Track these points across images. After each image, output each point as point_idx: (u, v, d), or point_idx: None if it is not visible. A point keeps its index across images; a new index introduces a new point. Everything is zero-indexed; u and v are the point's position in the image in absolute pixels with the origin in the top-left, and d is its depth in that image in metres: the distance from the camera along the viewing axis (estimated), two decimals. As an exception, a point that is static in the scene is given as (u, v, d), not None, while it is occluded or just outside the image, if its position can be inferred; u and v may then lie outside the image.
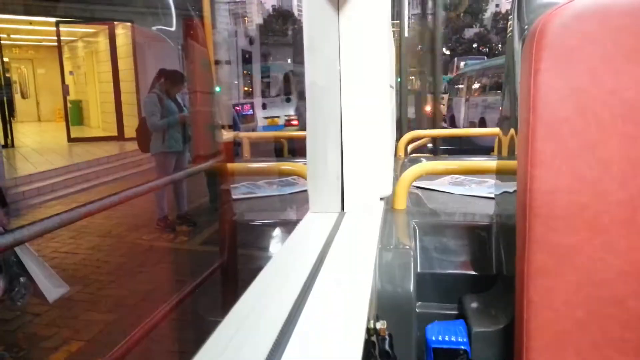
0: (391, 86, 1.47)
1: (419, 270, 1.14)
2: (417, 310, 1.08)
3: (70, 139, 9.65)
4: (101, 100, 11.12)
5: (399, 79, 4.86)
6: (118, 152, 8.29)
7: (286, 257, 0.77)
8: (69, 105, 10.80)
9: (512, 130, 1.10)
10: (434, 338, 0.98)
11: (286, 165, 1.63)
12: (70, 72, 12.33)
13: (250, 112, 10.69)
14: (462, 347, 0.96)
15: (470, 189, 1.71)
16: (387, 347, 0.64)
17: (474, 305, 1.06)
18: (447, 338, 0.97)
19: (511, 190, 1.05)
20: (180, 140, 4.44)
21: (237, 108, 9.95)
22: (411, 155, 2.61)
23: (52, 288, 1.98)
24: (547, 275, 0.79)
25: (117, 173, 7.24)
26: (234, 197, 1.79)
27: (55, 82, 11.77)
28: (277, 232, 1.46)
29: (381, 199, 1.09)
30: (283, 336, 0.51)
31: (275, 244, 1.41)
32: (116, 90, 10.01)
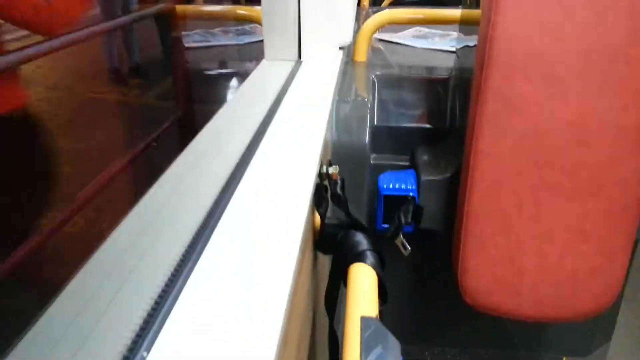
0: None
1: (375, 123, 1.15)
2: (371, 161, 1.11)
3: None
4: None
5: None
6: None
7: (239, 104, 0.75)
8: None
9: None
10: (385, 186, 1.02)
11: (241, 9, 1.52)
12: None
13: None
14: (410, 194, 1.01)
15: (432, 42, 1.67)
16: (338, 190, 0.66)
17: (425, 156, 1.10)
18: (397, 186, 1.02)
19: (472, 44, 1.03)
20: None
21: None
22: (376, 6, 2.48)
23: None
24: (497, 125, 0.81)
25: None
26: (187, 45, 1.68)
27: None
28: (233, 82, 1.41)
29: (341, 48, 1.05)
30: (235, 175, 0.52)
31: (232, 95, 1.37)
32: None
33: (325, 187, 0.67)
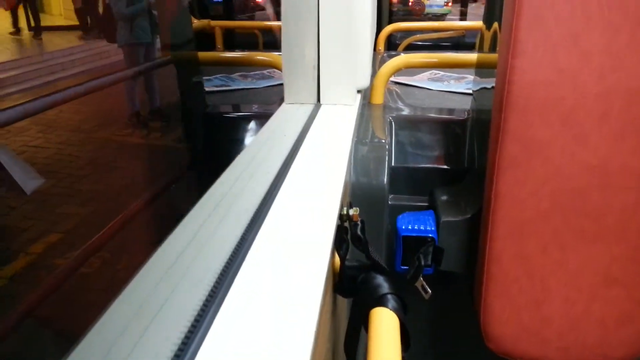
0: None
1: (393, 163, 1.16)
2: (389, 202, 1.11)
3: (30, 28, 9.02)
4: (60, -15, 10.25)
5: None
6: (82, 43, 7.82)
7: (260, 146, 0.76)
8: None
9: (495, 24, 1.07)
10: (403, 227, 1.01)
11: (261, 56, 1.56)
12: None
13: (221, -1, 9.98)
14: (430, 235, 1.00)
15: (448, 85, 1.69)
16: (359, 232, 0.65)
17: (444, 197, 1.09)
18: (416, 227, 1.01)
19: (489, 86, 1.04)
20: (148, 30, 4.18)
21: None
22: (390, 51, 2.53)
23: (27, 180, 1.96)
24: (517, 167, 0.81)
25: (84, 65, 6.88)
26: (207, 89, 1.73)
27: (6, -38, 10.70)
28: (252, 125, 1.43)
29: (358, 91, 1.07)
30: (257, 219, 0.52)
31: (250, 137, 1.39)
32: (76, -27, 9.20)
33: (346, 228, 0.66)
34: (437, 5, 12.55)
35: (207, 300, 0.38)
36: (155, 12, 3.92)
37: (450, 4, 12.65)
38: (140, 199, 1.96)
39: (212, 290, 0.40)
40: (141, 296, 0.40)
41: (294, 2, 0.96)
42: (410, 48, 2.72)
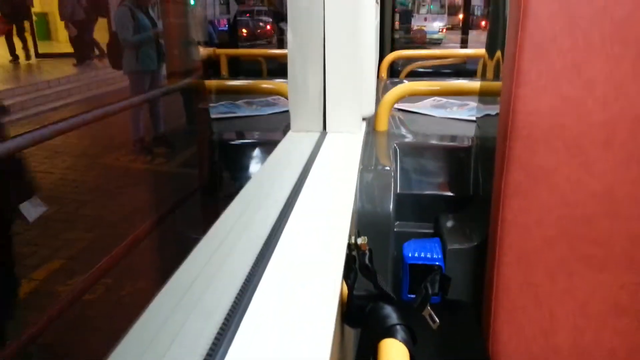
0: (376, 1, 1.41)
1: (398, 190, 1.16)
2: (395, 229, 1.11)
3: (38, 55, 9.16)
4: (68, 13, 10.43)
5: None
6: (88, 70, 7.94)
7: (268, 175, 0.76)
8: (34, 18, 10.13)
9: (498, 53, 1.08)
10: (410, 255, 1.01)
11: (266, 84, 1.58)
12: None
13: (227, 27, 10.18)
14: (437, 263, 1.00)
15: (451, 111, 1.71)
16: (367, 261, 0.65)
17: (450, 224, 1.09)
18: (422, 255, 1.01)
19: (493, 113, 1.05)
20: (154, 57, 4.25)
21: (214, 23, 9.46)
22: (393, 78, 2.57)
23: (30, 207, 1.97)
24: (523, 195, 0.81)
25: (90, 91, 6.98)
26: (212, 116, 1.75)
27: (16, -9, 10.93)
28: (257, 152, 1.44)
29: (363, 119, 1.08)
30: (266, 250, 0.52)
31: (256, 165, 1.40)
32: (84, 2, 9.39)
33: (354, 257, 0.66)
34: (433, 32, 12.87)
35: (219, 334, 0.38)
36: (161, 41, 3.99)
37: (444, 30, 12.99)
38: (144, 225, 1.96)
39: (223, 323, 0.40)
40: (152, 330, 0.40)
41: (299, 32, 0.98)
42: (412, 75, 2.75)
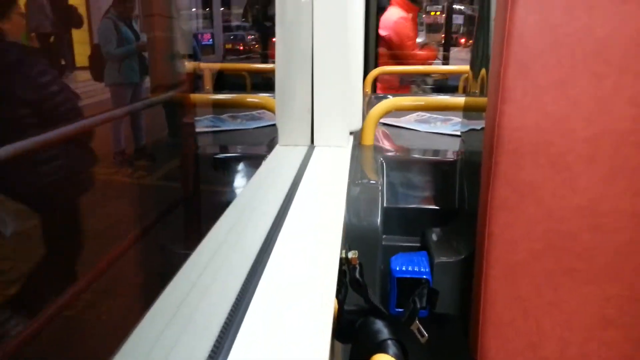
0: None
1: (385, 204, 1.16)
2: (382, 242, 1.11)
3: None
4: (48, 25, 10.34)
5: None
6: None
7: (257, 188, 0.76)
8: (11, 29, 9.99)
9: (483, 70, 1.10)
10: (397, 268, 1.01)
11: (253, 98, 1.58)
12: (12, -8, 11.33)
13: (211, 41, 10.18)
14: (424, 276, 1.00)
15: (435, 126, 1.73)
16: (357, 275, 0.65)
17: (436, 237, 1.10)
18: (410, 268, 1.01)
19: (478, 127, 1.07)
20: (137, 70, 4.22)
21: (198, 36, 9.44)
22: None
23: (8, 221, 1.93)
24: (509, 209, 0.82)
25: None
26: (197, 130, 1.74)
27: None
28: (242, 166, 1.44)
29: (351, 133, 1.08)
30: (258, 266, 0.51)
31: (241, 179, 1.39)
32: (64, 14, 9.31)
33: (344, 272, 0.66)
34: (414, 47, 13.11)
35: (212, 351, 0.38)
36: (145, 55, 3.96)
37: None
38: (125, 239, 1.92)
39: (216, 342, 0.39)
40: (143, 351, 0.39)
41: (288, 47, 0.98)
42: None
